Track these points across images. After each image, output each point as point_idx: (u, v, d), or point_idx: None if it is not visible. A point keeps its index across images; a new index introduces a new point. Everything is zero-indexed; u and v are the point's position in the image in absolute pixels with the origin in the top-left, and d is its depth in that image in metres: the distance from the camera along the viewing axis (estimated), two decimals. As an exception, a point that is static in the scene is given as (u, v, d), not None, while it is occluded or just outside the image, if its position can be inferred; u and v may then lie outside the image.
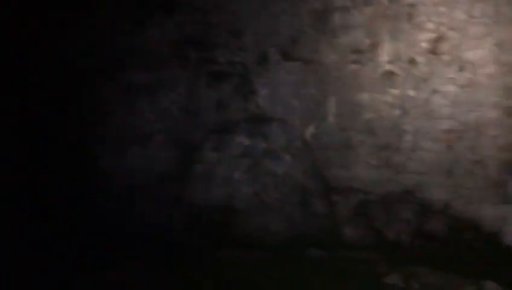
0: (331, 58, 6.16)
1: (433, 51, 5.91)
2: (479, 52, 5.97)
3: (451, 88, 5.84)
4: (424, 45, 5.98)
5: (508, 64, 5.91)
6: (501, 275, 5.42)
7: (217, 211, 6.06)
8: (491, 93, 6.04)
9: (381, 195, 6.20)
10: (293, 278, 5.19)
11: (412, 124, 5.95)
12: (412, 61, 5.90)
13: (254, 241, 5.84)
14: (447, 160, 6.12)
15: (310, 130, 6.16)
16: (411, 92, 5.97)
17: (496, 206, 5.66)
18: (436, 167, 5.84)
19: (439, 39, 5.94)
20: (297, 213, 6.03)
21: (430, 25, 6.04)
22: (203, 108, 6.12)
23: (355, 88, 6.13)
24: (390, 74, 5.97)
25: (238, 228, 6.01)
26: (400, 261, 5.53)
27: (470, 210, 5.72)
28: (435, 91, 5.87)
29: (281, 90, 6.14)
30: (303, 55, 6.15)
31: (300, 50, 6.17)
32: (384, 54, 6.02)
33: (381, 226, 6.00)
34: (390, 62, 5.93)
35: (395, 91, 5.99)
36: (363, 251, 5.90)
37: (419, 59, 5.94)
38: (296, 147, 6.12)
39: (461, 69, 5.86)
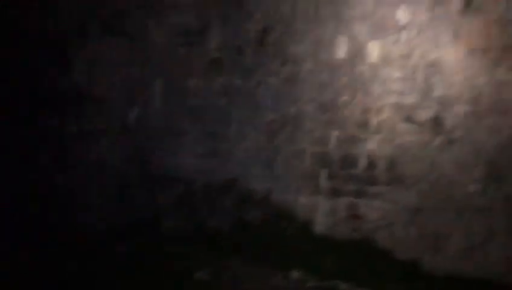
0: (159, 39, 5.64)
1: (261, 42, 5.41)
2: (300, 48, 5.67)
3: (274, 81, 5.39)
4: (252, 34, 5.35)
5: (324, 61, 5.77)
6: (309, 263, 5.49)
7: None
8: (308, 89, 5.88)
9: (205, 184, 6.05)
10: (101, 274, 4.53)
11: (238, 113, 5.48)
12: (240, 51, 5.38)
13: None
14: (268, 151, 5.91)
15: (133, 113, 5.47)
16: (238, 82, 5.47)
17: (310, 197, 5.39)
18: (259, 157, 5.38)
19: (266, 30, 5.45)
20: (113, 204, 5.36)
21: (259, 15, 5.34)
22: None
23: (183, 72, 5.55)
24: (218, 61, 5.41)
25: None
26: (216, 254, 5.35)
27: (287, 200, 5.42)
28: (260, 82, 5.41)
29: (102, 66, 5.36)
30: (129, 31, 5.42)
31: (126, 26, 5.45)
32: (213, 40, 5.44)
33: (203, 217, 5.53)
34: (218, 49, 5.41)
35: (223, 79, 5.45)
36: (181, 244, 5.54)
37: (247, 49, 5.42)
38: (116, 130, 5.36)
39: (284, 62, 5.26)
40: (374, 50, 5.85)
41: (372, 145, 5.83)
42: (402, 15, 5.97)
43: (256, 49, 5.69)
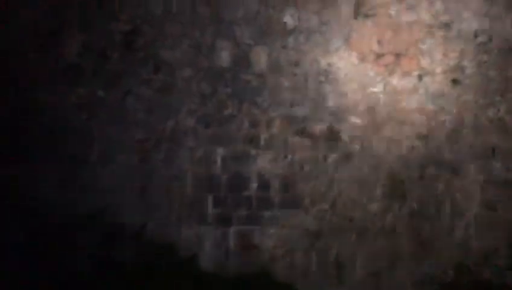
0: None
1: (128, 46, 3.40)
2: (176, 53, 4.43)
3: (146, 90, 3.44)
4: (118, 37, 4.13)
5: (203, 69, 4.47)
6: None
7: None
8: (187, 100, 4.59)
9: (63, 218, 4.40)
10: None
11: (102, 130, 3.39)
12: (103, 55, 3.31)
13: None
14: (141, 175, 4.58)
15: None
16: (101, 92, 3.41)
17: (194, 228, 3.61)
18: (130, 182, 3.39)
19: (135, 32, 3.47)
20: None
21: (125, 16, 4.34)
22: None
23: (33, 82, 3.36)
24: (76, 68, 3.28)
25: None
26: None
27: (167, 233, 4.04)
28: (128, 93, 3.41)
29: None
30: None
31: None
32: (71, 44, 3.39)
33: (60, 257, 3.42)
34: (78, 55, 3.52)
35: (82, 90, 3.36)
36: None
37: (112, 54, 3.39)
38: None
39: (157, 69, 3.79)
40: (260, 56, 4.40)
41: (263, 162, 4.69)
42: (289, 18, 4.77)
43: (123, 54, 3.69)
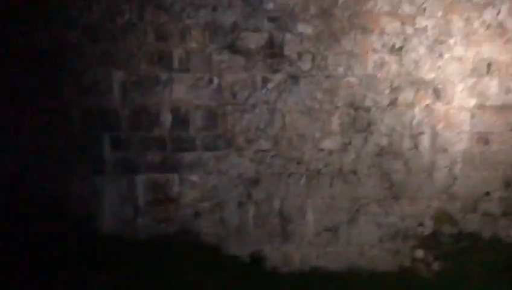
0: None
1: None
2: None
3: None
4: None
5: None
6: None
7: None
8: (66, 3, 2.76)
9: None
10: None
11: None
12: None
13: None
14: (9, 108, 2.98)
15: None
16: None
17: (87, 179, 2.50)
18: None
19: None
20: None
21: None
22: None
23: None
24: None
25: None
26: None
27: (50, 187, 2.99)
28: None
29: None
30: None
31: None
32: None
33: None
34: None
35: None
36: None
37: None
38: None
39: None
40: None
41: (178, 90, 2.96)
42: None
43: None
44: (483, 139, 3.15)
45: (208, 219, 2.94)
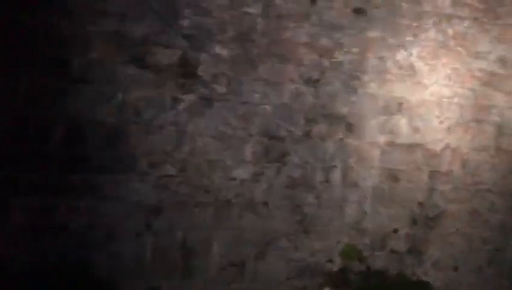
0: None
1: None
2: None
3: None
4: None
5: None
6: None
7: None
8: None
9: None
10: None
11: None
12: None
13: None
14: None
15: None
16: None
17: None
18: None
19: None
20: None
21: None
22: None
23: None
24: None
25: None
26: None
27: None
28: None
29: None
30: None
31: None
32: None
33: None
34: None
35: None
36: None
37: None
38: None
39: None
40: None
41: (74, 102, 2.45)
42: None
43: None
44: (393, 176, 2.93)
45: (100, 250, 2.39)
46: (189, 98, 2.64)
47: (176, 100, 2.62)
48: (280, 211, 2.82)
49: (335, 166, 2.91)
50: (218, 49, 2.68)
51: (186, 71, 2.63)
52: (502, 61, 3.31)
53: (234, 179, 2.72)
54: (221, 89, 2.69)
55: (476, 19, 3.23)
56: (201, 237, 2.66)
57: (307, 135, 2.86)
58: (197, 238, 2.66)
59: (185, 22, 2.61)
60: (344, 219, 2.92)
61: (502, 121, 3.30)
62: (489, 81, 3.28)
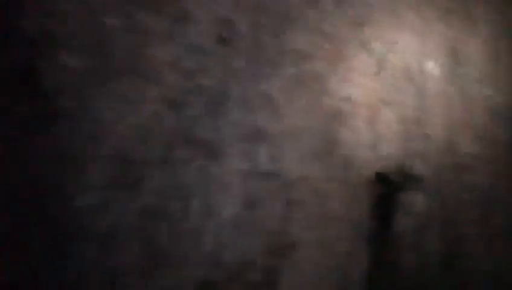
0: None
1: None
2: None
3: None
4: None
5: None
6: None
7: None
8: None
9: None
10: None
11: None
12: None
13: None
14: None
15: None
16: None
17: None
18: None
19: None
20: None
21: None
22: None
23: None
24: None
25: None
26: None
27: None
28: None
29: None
30: None
31: None
32: None
33: None
34: None
35: None
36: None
37: None
38: None
39: None
40: None
41: None
42: None
43: None
44: (251, 205, 2.78)
45: None
46: (28, 112, 2.15)
47: (6, 112, 2.10)
48: (130, 244, 2.43)
49: (194, 194, 2.65)
50: (65, 58, 2.26)
51: (24, 83, 2.14)
52: (348, 99, 3.48)
53: (79, 205, 2.26)
54: (69, 105, 2.26)
55: (327, 60, 3.36)
56: (34, 279, 2.13)
57: (166, 159, 2.57)
58: (28, 282, 2.12)
59: (28, 24, 2.14)
60: (201, 251, 2.65)
61: (348, 154, 3.44)
62: (338, 116, 3.42)
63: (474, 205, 4.46)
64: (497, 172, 4.68)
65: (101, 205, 2.36)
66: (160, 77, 2.59)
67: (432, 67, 4.14)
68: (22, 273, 2.10)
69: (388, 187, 3.65)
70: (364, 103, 3.56)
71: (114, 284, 2.39)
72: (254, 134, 2.97)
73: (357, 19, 3.59)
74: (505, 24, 4.77)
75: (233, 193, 2.80)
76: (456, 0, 4.42)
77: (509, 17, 4.69)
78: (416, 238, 3.85)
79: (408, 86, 3.91)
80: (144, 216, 2.47)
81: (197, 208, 2.69)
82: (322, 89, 3.34)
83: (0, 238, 2.04)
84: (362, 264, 3.44)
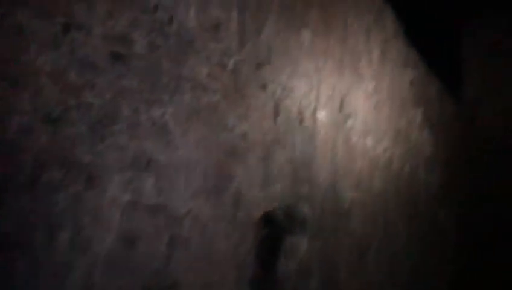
0: None
1: None
2: None
3: None
4: None
5: None
6: None
7: None
8: None
9: None
10: None
11: None
12: None
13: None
14: None
15: None
16: None
17: None
18: None
19: None
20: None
21: None
22: None
23: None
24: None
25: None
26: None
27: None
28: None
29: None
30: None
31: None
32: None
33: None
34: None
35: None
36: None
37: None
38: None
39: None
40: None
41: None
42: None
43: None
44: (130, 240, 2.48)
45: None
46: None
47: None
48: None
49: (64, 224, 2.28)
50: None
51: None
52: (244, 136, 3.42)
53: None
54: None
55: (227, 96, 3.29)
56: None
57: (33, 182, 2.18)
58: None
59: None
60: (65, 291, 2.26)
61: (240, 192, 3.33)
62: (233, 153, 3.32)
63: (351, 249, 4.63)
64: (374, 217, 4.97)
65: None
66: (36, 88, 2.25)
67: (323, 115, 4.33)
68: None
69: (275, 229, 3.59)
70: (259, 142, 3.53)
71: None
72: (141, 163, 2.71)
73: (258, 60, 3.61)
74: (387, 81, 5.27)
75: (110, 226, 2.48)
76: (349, 54, 4.76)
77: (390, 74, 5.20)
78: (299, 283, 3.82)
79: (300, 130, 4.00)
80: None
81: (65, 241, 2.31)
82: (219, 124, 3.23)
83: None
84: (245, 308, 3.27)
